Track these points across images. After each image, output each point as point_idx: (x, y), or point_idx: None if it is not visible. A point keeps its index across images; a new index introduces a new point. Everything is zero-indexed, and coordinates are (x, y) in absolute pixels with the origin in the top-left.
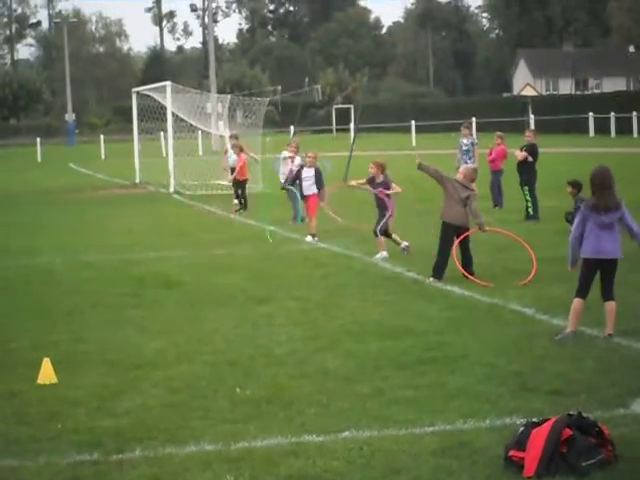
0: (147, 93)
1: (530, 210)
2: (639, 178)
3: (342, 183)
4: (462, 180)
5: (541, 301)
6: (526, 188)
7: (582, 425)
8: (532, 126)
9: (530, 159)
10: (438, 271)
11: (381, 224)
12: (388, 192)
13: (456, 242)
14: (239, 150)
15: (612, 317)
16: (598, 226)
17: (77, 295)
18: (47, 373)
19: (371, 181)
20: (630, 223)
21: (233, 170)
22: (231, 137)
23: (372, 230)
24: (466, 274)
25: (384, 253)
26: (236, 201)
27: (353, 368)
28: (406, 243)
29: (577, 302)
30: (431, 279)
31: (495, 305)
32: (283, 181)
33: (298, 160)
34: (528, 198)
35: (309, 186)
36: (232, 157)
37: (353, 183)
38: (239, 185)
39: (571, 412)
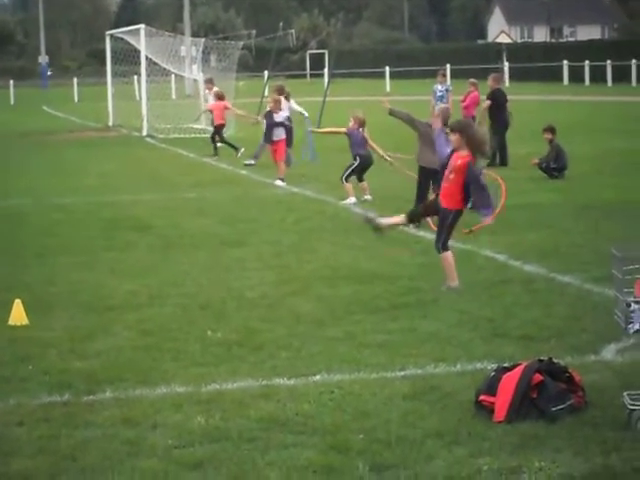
0: (121, 36)
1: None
2: (617, 127)
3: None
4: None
5: (513, 247)
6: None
7: (552, 371)
8: (506, 74)
9: (487, 103)
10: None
11: (348, 172)
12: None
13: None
14: (219, 97)
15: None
16: None
17: (49, 237)
18: (18, 314)
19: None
20: None
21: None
22: (206, 81)
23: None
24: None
25: (352, 199)
26: (219, 144)
27: (325, 312)
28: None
29: (448, 255)
30: (410, 225)
31: (468, 251)
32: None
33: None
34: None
35: (279, 132)
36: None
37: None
38: (216, 130)
39: (542, 357)
